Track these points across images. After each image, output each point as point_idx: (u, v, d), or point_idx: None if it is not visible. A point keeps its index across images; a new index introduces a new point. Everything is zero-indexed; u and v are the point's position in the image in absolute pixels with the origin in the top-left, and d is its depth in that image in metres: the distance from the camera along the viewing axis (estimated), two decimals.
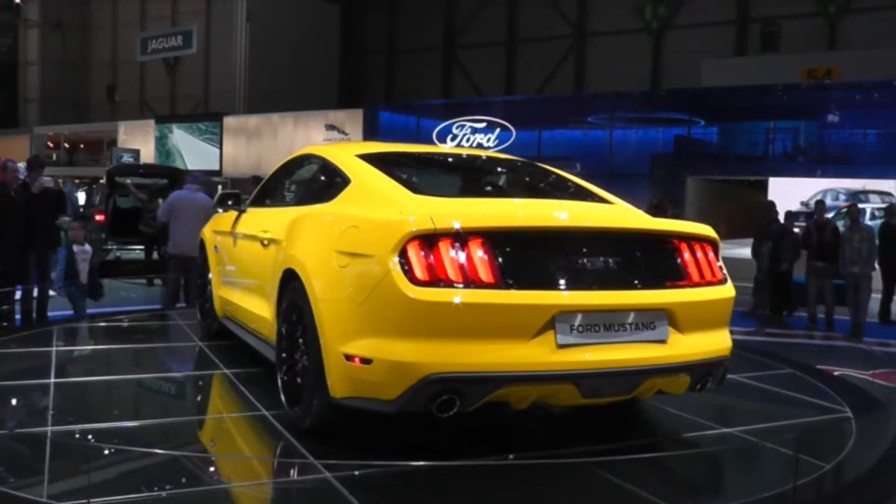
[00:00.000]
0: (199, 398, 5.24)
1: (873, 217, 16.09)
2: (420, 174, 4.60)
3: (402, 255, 3.33)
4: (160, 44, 33.71)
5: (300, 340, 4.00)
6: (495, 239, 3.42)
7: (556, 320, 3.40)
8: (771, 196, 14.49)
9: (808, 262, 11.57)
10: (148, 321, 7.86)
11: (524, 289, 3.38)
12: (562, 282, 3.48)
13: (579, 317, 3.45)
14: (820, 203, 12.06)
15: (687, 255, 3.86)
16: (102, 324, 7.51)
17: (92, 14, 41.47)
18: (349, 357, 3.49)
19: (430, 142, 21.61)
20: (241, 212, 5.66)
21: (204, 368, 5.65)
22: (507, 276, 3.37)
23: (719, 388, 4.04)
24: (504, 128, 21.48)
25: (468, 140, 21.79)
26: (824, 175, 16.84)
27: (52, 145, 36.94)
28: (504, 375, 3.36)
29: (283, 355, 4.22)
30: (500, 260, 3.38)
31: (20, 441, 3.95)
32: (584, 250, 3.60)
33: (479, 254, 3.36)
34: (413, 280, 3.30)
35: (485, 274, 3.34)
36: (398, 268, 3.32)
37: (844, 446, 4.11)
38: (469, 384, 3.34)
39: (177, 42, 32.86)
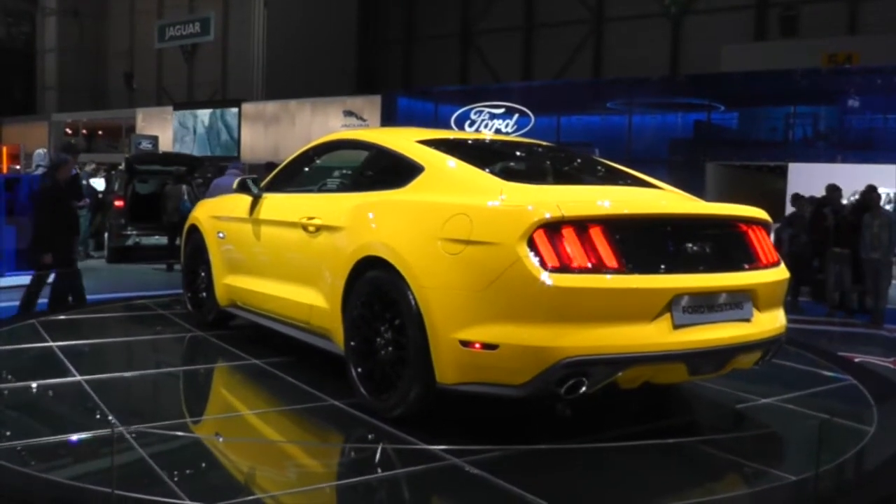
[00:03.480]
0: (254, 390, 4.86)
1: (890, 201, 15.97)
2: (491, 161, 4.59)
3: (531, 242, 3.42)
4: (178, 31, 33.66)
5: (382, 328, 4.02)
6: (614, 226, 3.56)
7: (672, 302, 3.56)
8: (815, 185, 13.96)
9: (826, 248, 11.55)
10: (135, 311, 7.37)
11: (643, 273, 3.54)
12: (673, 265, 3.66)
13: (687, 298, 3.62)
14: (835, 188, 12.01)
15: (755, 238, 4.08)
16: (82, 315, 7.14)
17: (109, 2, 41.62)
18: (466, 343, 3.55)
19: (449, 128, 21.59)
20: (257, 197, 5.47)
21: (231, 359, 5.38)
22: (628, 262, 3.51)
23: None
24: (522, 113, 21.40)
25: (486, 126, 21.74)
26: (845, 160, 16.70)
27: (70, 132, 37.11)
28: (630, 356, 3.50)
29: (352, 343, 4.21)
30: (620, 246, 3.52)
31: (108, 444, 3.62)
32: (685, 235, 3.78)
33: (602, 240, 3.49)
34: (544, 266, 3.39)
35: (608, 259, 3.48)
36: (529, 255, 3.41)
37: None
38: (598, 366, 3.47)
39: (194, 29, 32.80)
